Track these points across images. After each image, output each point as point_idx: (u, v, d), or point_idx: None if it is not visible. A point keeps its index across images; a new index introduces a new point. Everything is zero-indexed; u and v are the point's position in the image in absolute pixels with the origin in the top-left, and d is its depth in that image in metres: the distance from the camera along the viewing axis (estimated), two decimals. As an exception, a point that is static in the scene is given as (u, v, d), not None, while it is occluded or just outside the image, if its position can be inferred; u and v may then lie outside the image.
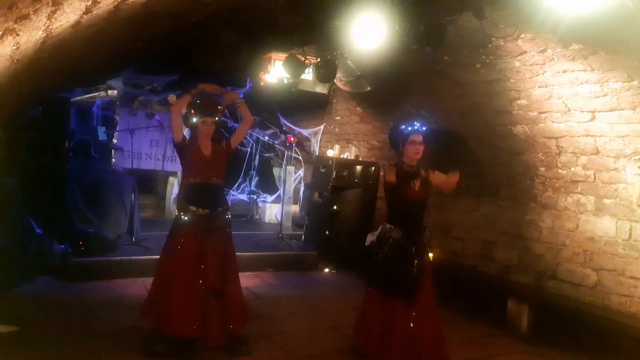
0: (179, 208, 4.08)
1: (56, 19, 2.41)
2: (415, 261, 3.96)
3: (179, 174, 9.86)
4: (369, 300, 4.12)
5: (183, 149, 4.10)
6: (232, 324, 3.99)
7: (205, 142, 4.10)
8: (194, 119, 4.07)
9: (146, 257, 6.34)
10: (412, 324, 3.88)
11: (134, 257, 6.33)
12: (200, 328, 3.81)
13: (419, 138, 4.01)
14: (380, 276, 4.02)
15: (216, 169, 4.12)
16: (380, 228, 4.20)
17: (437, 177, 3.99)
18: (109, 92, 8.70)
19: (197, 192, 4.03)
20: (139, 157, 8.72)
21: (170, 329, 3.81)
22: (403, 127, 4.06)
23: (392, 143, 4.18)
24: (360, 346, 4.12)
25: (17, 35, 2.33)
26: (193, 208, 3.99)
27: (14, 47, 2.50)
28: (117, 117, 8.99)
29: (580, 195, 5.24)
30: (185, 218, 4.00)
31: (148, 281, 5.89)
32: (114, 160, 8.70)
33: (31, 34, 2.48)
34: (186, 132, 4.48)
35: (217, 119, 4.15)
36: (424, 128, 4.05)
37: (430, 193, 4.15)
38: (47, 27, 2.50)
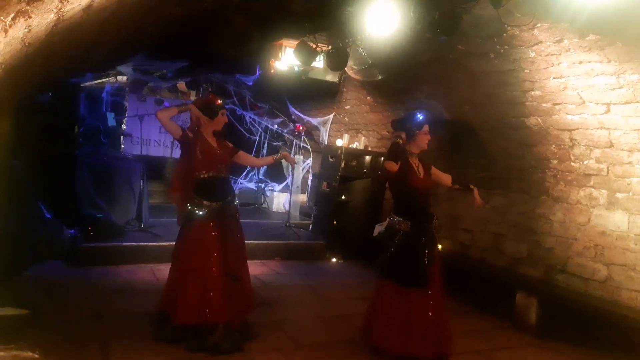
0: (191, 203, 3.98)
1: (68, 1, 2.39)
2: (427, 251, 3.97)
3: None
4: (384, 293, 4.09)
5: (189, 142, 3.97)
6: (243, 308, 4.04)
7: (211, 135, 4.07)
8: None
9: (154, 243, 6.38)
10: (430, 314, 3.92)
11: (142, 243, 6.35)
12: (213, 314, 3.80)
13: (428, 129, 4.07)
14: (395, 267, 4.00)
15: (225, 162, 4.11)
16: (388, 220, 4.19)
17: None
18: (119, 78, 8.71)
19: (209, 186, 3.99)
20: (148, 144, 8.73)
21: (178, 318, 3.81)
22: (418, 116, 4.04)
23: (405, 129, 4.05)
24: (378, 343, 4.03)
25: (29, 17, 2.30)
26: (207, 202, 3.95)
27: (26, 30, 2.48)
28: (126, 103, 9.00)
29: (593, 189, 5.18)
30: (200, 213, 3.95)
31: (156, 267, 5.96)
32: (123, 146, 8.72)
33: (43, 17, 2.45)
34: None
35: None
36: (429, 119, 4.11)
37: (432, 182, 4.21)
38: (59, 9, 2.47)
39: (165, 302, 3.99)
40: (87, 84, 8.32)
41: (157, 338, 3.92)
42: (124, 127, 8.86)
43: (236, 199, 4.26)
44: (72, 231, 6.04)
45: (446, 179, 4.38)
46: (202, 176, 3.96)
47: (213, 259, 3.87)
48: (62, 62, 4.50)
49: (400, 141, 3.91)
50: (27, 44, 2.74)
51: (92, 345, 3.79)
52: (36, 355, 3.23)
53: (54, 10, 2.42)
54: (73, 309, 4.50)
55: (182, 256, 3.99)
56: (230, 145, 4.24)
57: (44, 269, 5.55)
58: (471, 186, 4.40)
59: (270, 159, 4.65)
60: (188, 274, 3.88)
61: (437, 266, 4.05)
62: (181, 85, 9.52)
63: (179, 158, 4.27)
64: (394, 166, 3.84)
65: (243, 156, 4.35)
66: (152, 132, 8.92)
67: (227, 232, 4.02)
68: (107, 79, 8.72)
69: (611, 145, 4.82)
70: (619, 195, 4.93)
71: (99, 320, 4.31)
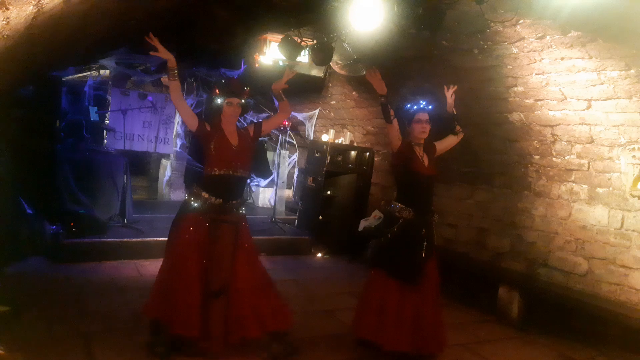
0: (190, 193, 3.72)
1: (47, -7, 2.35)
2: (425, 244, 3.88)
3: (172, 156, 9.81)
4: (373, 283, 3.97)
5: (206, 136, 3.65)
6: (241, 325, 3.56)
7: (230, 128, 3.72)
8: (219, 100, 3.69)
9: (138, 239, 6.33)
10: (422, 310, 3.82)
11: (125, 239, 6.30)
12: (201, 328, 3.48)
13: (425, 117, 3.93)
14: (389, 258, 3.88)
15: (244, 159, 3.72)
16: (373, 214, 4.17)
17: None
18: (101, 71, 8.58)
19: (219, 183, 3.65)
20: (131, 139, 8.63)
21: (174, 327, 3.47)
22: (409, 106, 3.98)
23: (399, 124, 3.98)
24: (367, 336, 3.88)
25: (7, 9, 2.27)
26: (205, 195, 3.60)
27: (4, 22, 2.44)
28: (109, 97, 8.87)
29: (574, 184, 5.26)
30: (195, 205, 3.62)
31: (140, 263, 5.93)
32: (105, 141, 8.61)
33: (22, 9, 2.42)
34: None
35: (242, 101, 3.75)
36: (429, 107, 3.97)
37: (437, 170, 4.08)
38: (39, 1, 2.44)
39: (157, 309, 3.60)
40: (69, 77, 8.18)
41: (151, 350, 3.62)
42: (107, 122, 8.73)
43: (243, 207, 3.87)
44: (54, 227, 5.96)
45: (449, 139, 4.20)
46: (213, 173, 3.63)
47: (198, 269, 3.53)
48: (43, 55, 4.42)
49: (383, 99, 3.80)
50: (5, 37, 2.70)
51: (75, 342, 3.76)
52: (1, 352, 3.20)
53: (33, 2, 2.39)
54: (55, 306, 4.45)
55: (171, 259, 3.66)
56: (252, 131, 3.87)
57: (25, 266, 5.48)
58: (449, 112, 4.18)
59: (281, 106, 4.16)
60: (176, 282, 3.52)
61: (434, 262, 3.97)
62: (165, 79, 9.40)
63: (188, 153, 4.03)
64: (389, 127, 3.82)
65: (267, 125, 4.10)
66: (136, 127, 8.82)
67: (221, 240, 3.64)
68: (89, 73, 8.59)
69: (592, 141, 4.89)
70: (599, 190, 5.01)
71: (81, 317, 4.27)
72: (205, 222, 3.61)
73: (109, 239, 6.21)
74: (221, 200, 3.64)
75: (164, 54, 3.52)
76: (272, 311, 3.70)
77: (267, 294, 3.75)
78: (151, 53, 3.53)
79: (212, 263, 3.59)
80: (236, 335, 3.57)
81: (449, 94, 4.15)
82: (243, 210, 3.87)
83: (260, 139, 4.36)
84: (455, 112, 4.17)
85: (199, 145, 3.84)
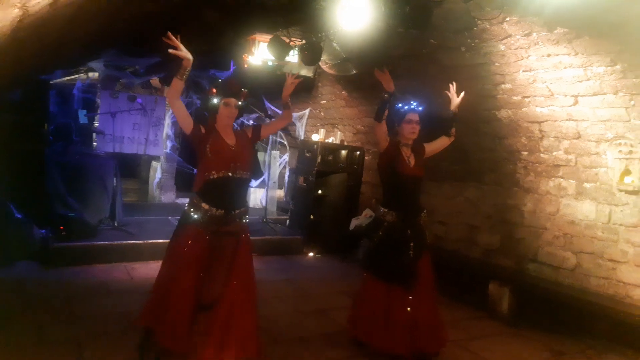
0: (189, 203, 3.53)
1: (33, -5, 2.34)
2: (412, 244, 3.87)
3: (162, 158, 9.78)
4: (366, 286, 4.01)
5: (201, 139, 3.47)
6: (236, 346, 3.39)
7: (227, 130, 3.56)
8: (215, 100, 3.51)
9: (128, 242, 6.31)
10: (409, 309, 3.81)
11: (115, 242, 6.26)
12: (188, 342, 3.36)
13: (415, 117, 3.94)
14: (375, 260, 3.93)
15: (243, 160, 3.53)
16: (364, 212, 4.19)
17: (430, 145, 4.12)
18: (90, 74, 8.54)
19: (218, 188, 3.44)
20: (120, 141, 8.59)
21: (161, 339, 3.39)
22: (399, 105, 3.97)
23: (387, 122, 3.97)
24: (360, 336, 3.98)
25: (-8, 12, 2.25)
26: (205, 206, 3.41)
27: (-11, 25, 2.43)
28: (98, 100, 8.83)
29: (562, 180, 5.31)
30: (195, 216, 3.43)
31: (130, 266, 5.91)
32: (95, 144, 8.57)
33: (7, 12, 2.40)
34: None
35: (240, 103, 3.58)
36: (420, 108, 3.97)
37: (424, 170, 4.07)
38: (24, 4, 2.43)
39: (150, 318, 3.49)
40: (58, 80, 8.13)
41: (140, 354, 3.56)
42: (96, 124, 8.70)
43: (247, 216, 3.65)
44: (44, 231, 5.92)
45: (441, 141, 4.17)
46: (212, 177, 3.43)
47: (194, 283, 3.38)
48: (30, 58, 4.39)
49: (386, 96, 3.80)
50: (-10, 40, 2.68)
51: (66, 347, 3.73)
52: None
53: (18, 5, 2.38)
54: (46, 310, 4.42)
55: (168, 270, 3.50)
56: (250, 133, 3.71)
57: (15, 270, 5.43)
58: (452, 113, 4.14)
59: (285, 113, 4.03)
60: (172, 294, 3.39)
61: (426, 261, 3.96)
62: (155, 81, 9.38)
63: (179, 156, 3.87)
64: (377, 126, 3.82)
65: (266, 130, 3.96)
66: (125, 129, 8.79)
67: (220, 252, 3.48)
68: (77, 76, 8.54)
69: (579, 137, 4.94)
70: (586, 185, 5.06)
71: (72, 321, 4.25)
72: (206, 234, 3.45)
73: (99, 242, 6.18)
74: (222, 212, 3.46)
75: (183, 53, 3.34)
76: (241, 338, 3.46)
77: (243, 319, 3.50)
78: (170, 51, 3.34)
79: (208, 276, 3.45)
80: (212, 352, 3.37)
81: (454, 92, 4.13)
82: (247, 219, 3.66)
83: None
84: (456, 113, 4.15)
85: (192, 148, 3.66)
